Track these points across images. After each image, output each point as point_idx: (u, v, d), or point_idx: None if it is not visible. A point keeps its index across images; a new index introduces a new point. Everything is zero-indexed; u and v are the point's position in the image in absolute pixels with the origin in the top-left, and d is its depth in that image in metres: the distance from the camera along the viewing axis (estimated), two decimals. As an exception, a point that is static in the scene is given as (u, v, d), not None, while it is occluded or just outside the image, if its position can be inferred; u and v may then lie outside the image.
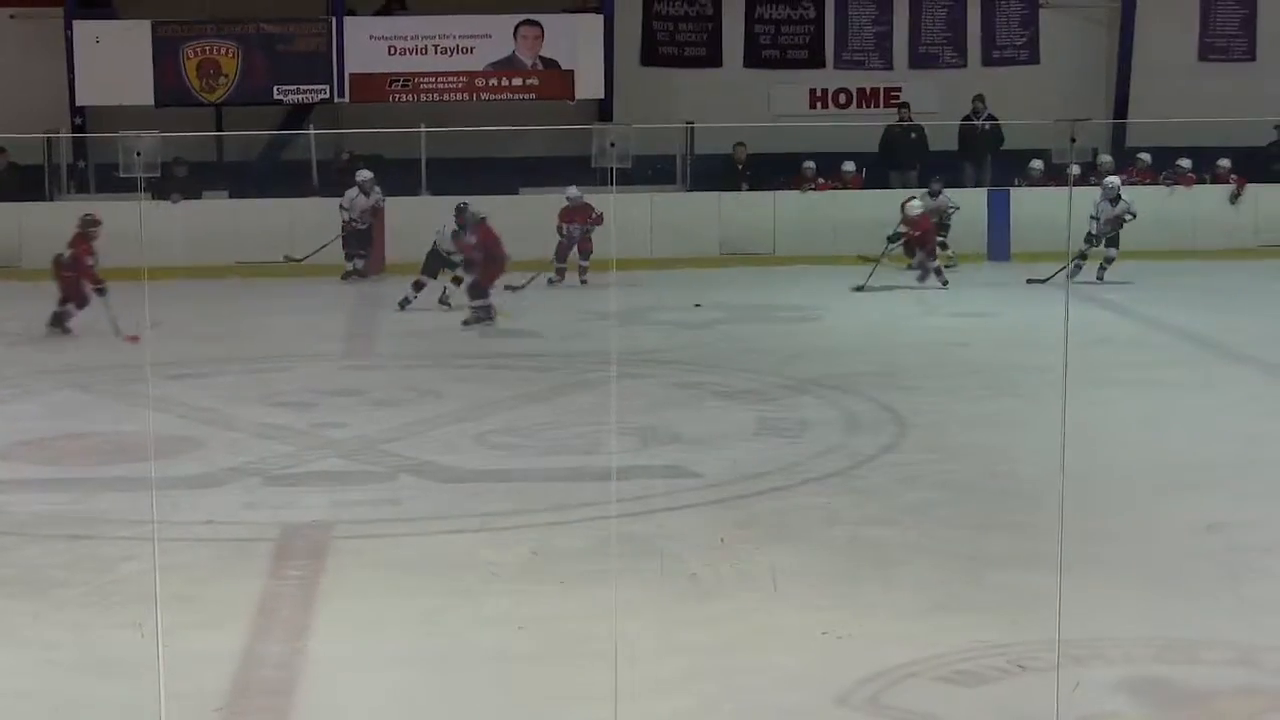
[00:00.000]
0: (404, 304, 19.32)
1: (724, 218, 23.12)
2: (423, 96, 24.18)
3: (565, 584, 9.71)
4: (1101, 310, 18.53)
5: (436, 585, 9.75)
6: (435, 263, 19.53)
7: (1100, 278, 20.27)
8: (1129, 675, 8.34)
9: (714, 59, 25.93)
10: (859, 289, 19.96)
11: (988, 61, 26.34)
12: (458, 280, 19.14)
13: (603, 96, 24.71)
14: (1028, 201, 22.73)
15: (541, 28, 24.39)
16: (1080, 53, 26.46)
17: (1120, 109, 25.98)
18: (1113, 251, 20.44)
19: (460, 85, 24.27)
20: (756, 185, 23.81)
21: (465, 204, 19.44)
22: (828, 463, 12.60)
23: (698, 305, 19.24)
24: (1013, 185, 23.73)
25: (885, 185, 24.23)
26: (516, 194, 23.26)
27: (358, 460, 12.87)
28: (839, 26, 26.11)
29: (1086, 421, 12.70)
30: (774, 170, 23.90)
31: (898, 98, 25.81)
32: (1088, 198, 21.15)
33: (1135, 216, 20.44)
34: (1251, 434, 13.22)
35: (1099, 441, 12.54)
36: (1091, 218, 20.42)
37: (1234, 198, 23.13)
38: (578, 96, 24.59)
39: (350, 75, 23.99)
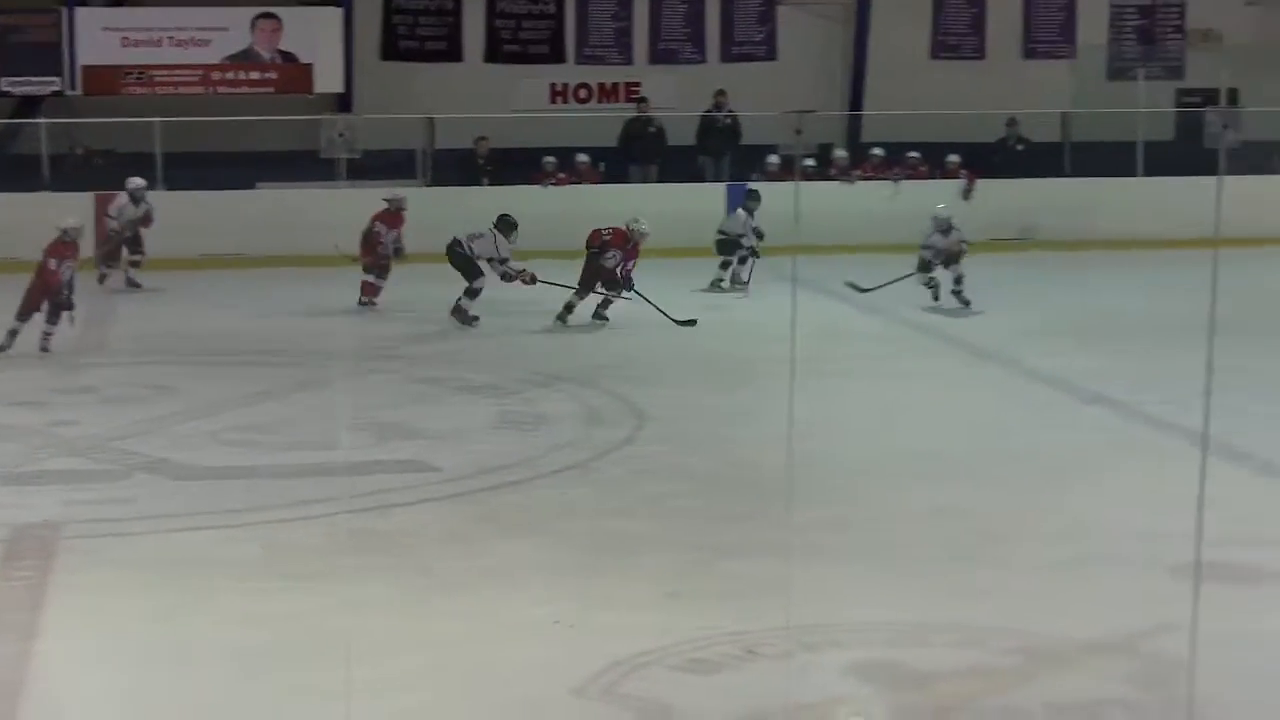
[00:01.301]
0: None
1: (466, 212, 23.05)
2: (158, 89, 23.80)
3: (299, 580, 9.61)
4: (839, 303, 18.83)
5: (169, 583, 9.59)
6: None
7: (960, 295, 19.25)
8: (860, 659, 8.47)
9: (455, 53, 25.86)
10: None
11: (726, 57, 26.62)
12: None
13: (343, 90, 24.57)
14: (765, 195, 22.99)
15: (280, 20, 24.16)
16: (817, 49, 26.88)
17: (855, 104, 26.45)
18: (960, 269, 19.23)
19: (196, 78, 23.96)
20: (498, 180, 23.80)
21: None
22: (567, 456, 12.64)
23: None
24: (750, 179, 23.99)
25: (624, 179, 24.41)
26: (253, 188, 22.99)
27: (91, 458, 12.63)
28: (579, 21, 26.22)
29: (819, 412, 12.91)
30: (515, 165, 23.90)
31: (637, 92, 25.98)
32: (819, 190, 21.47)
33: (968, 247, 19.47)
34: (982, 423, 13.52)
35: (830, 431, 12.75)
36: (923, 247, 19.31)
37: (966, 193, 23.57)
38: (317, 90, 24.40)
39: (82, 67, 23.55)
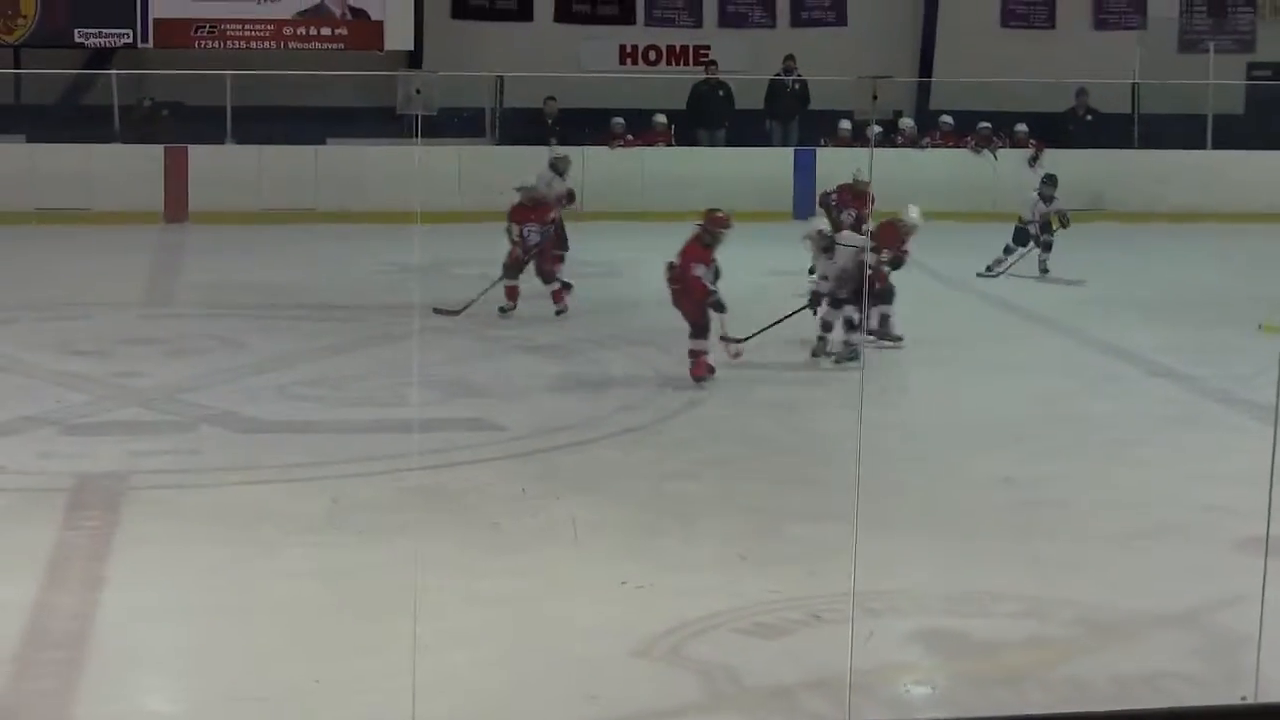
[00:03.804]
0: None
1: (534, 171, 23.05)
2: (229, 43, 23.87)
3: (364, 535, 9.66)
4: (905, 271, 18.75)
5: (234, 536, 9.66)
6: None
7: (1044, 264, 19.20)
8: (922, 626, 8.49)
9: (525, 13, 25.81)
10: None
11: (796, 22, 26.51)
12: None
13: (412, 48, 24.55)
14: (833, 161, 22.93)
15: (352, -24, 24.17)
16: (887, 16, 26.73)
17: (925, 72, 26.31)
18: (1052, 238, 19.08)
19: (267, 33, 23.98)
20: (566, 140, 23.76)
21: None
22: (631, 417, 12.66)
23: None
24: (819, 145, 23.92)
25: (694, 142, 24.37)
26: (324, 144, 23.04)
27: (157, 410, 12.71)
28: (649, -17, 26.14)
29: (884, 379, 12.92)
30: (583, 126, 23.87)
31: (706, 55, 25.90)
32: (889, 156, 21.37)
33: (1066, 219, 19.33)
34: (1045, 393, 13.46)
35: (895, 398, 12.74)
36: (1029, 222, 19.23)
37: (1033, 161, 23.46)
38: (387, 47, 24.41)
39: (155, 20, 23.60)
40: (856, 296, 13.95)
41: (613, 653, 7.99)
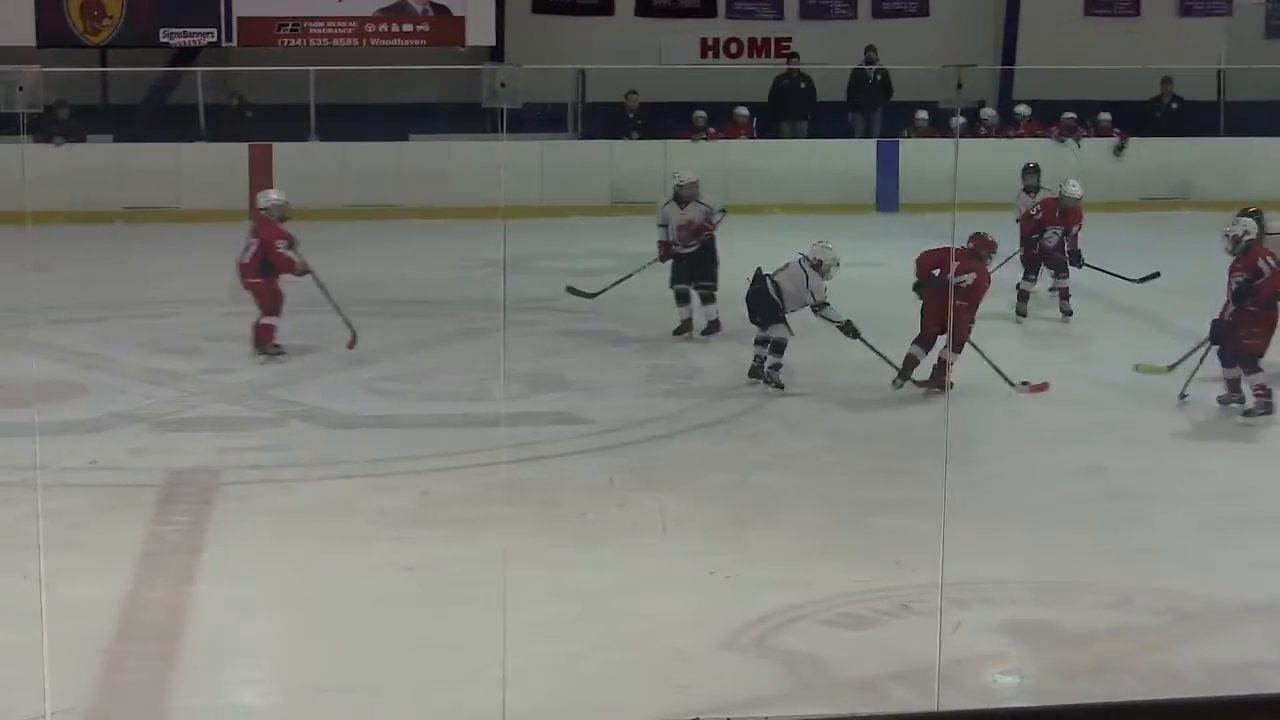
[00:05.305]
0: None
1: (615, 166, 23.10)
2: (312, 41, 23.98)
3: (452, 529, 9.72)
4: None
5: (323, 530, 9.75)
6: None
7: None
8: (1009, 617, 8.48)
9: (606, 7, 25.82)
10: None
11: (878, 13, 26.40)
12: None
13: (494, 43, 24.59)
14: (915, 152, 22.85)
15: (432, -27, 24.26)
16: (969, 6, 26.60)
17: (1008, 61, 26.16)
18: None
19: (350, 30, 24.08)
20: (648, 134, 23.79)
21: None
22: (715, 409, 12.67)
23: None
24: (901, 136, 23.85)
25: (775, 135, 24.33)
26: (407, 140, 23.15)
27: (245, 406, 12.82)
28: (731, -24, 26.11)
29: (964, 370, 12.86)
30: (665, 119, 23.88)
31: (788, 47, 25.85)
32: (972, 146, 21.29)
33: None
34: (1127, 384, 13.37)
35: (977, 389, 12.69)
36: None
37: (1118, 150, 23.34)
38: (468, 43, 24.45)
39: (238, 19, 23.74)
40: None
41: (700, 644, 8.02)
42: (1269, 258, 12.52)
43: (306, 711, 7.62)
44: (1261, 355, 12.35)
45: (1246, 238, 12.59)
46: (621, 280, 15.76)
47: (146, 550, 9.46)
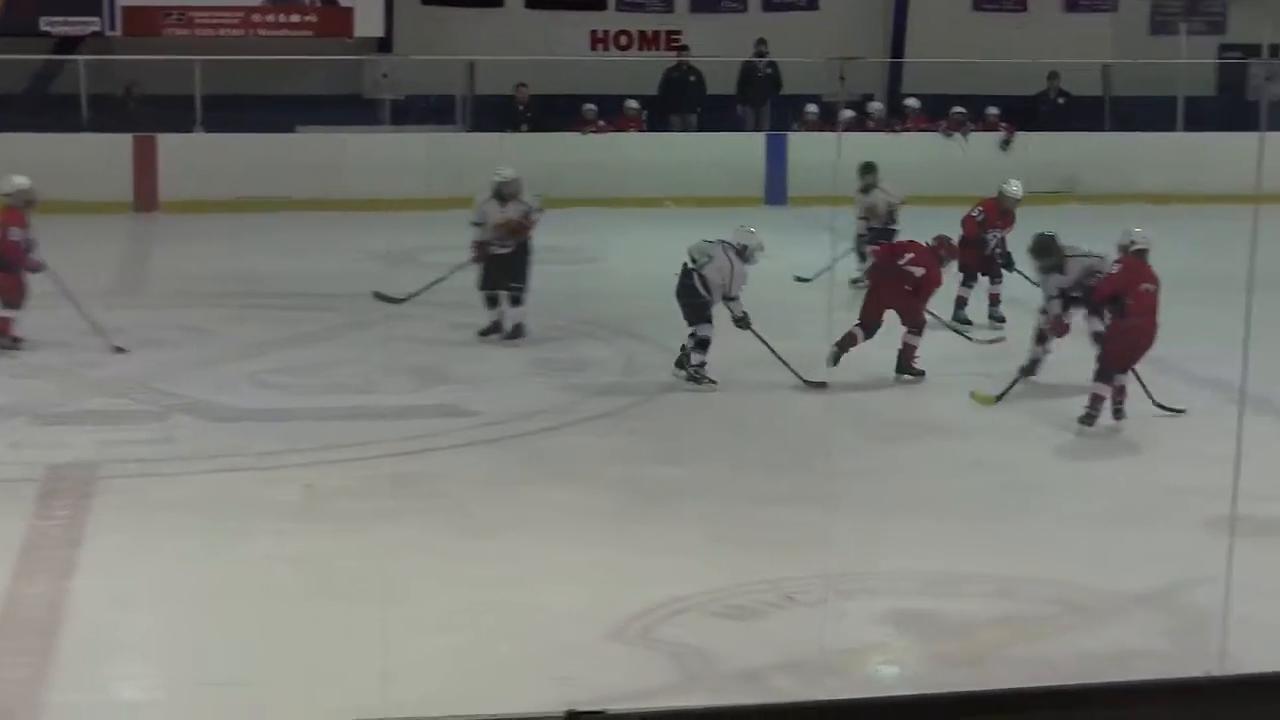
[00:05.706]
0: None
1: (504, 159, 23.03)
2: (197, 31, 23.77)
3: (337, 522, 9.66)
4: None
5: (206, 524, 9.66)
6: None
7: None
8: (894, 607, 8.52)
9: (495, -1, 25.80)
10: None
11: (768, 6, 26.49)
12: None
13: (382, 35, 24.50)
14: (804, 146, 22.92)
15: (321, -36, 24.11)
16: (858, 0, 26.75)
17: (896, 55, 26.31)
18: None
19: (236, 21, 23.88)
20: (537, 126, 23.75)
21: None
22: (604, 403, 12.66)
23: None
24: (790, 129, 23.93)
25: (665, 128, 24.35)
26: (293, 131, 22.99)
27: (129, 399, 12.68)
28: (620, -32, 26.12)
29: (855, 362, 12.92)
30: (555, 112, 23.85)
31: (678, 40, 25.89)
32: (859, 140, 21.41)
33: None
34: (1013, 377, 13.46)
35: (867, 382, 12.75)
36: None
37: (1005, 144, 23.53)
38: (356, 34, 24.33)
39: (123, 8, 23.49)
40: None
41: (586, 636, 8.01)
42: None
43: (189, 706, 7.54)
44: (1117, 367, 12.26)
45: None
46: (434, 284, 15.54)
47: (26, 544, 9.33)
